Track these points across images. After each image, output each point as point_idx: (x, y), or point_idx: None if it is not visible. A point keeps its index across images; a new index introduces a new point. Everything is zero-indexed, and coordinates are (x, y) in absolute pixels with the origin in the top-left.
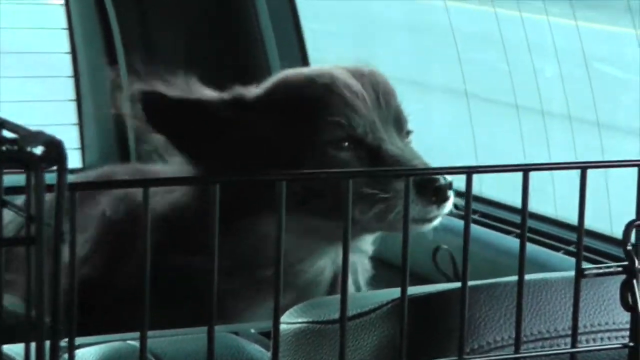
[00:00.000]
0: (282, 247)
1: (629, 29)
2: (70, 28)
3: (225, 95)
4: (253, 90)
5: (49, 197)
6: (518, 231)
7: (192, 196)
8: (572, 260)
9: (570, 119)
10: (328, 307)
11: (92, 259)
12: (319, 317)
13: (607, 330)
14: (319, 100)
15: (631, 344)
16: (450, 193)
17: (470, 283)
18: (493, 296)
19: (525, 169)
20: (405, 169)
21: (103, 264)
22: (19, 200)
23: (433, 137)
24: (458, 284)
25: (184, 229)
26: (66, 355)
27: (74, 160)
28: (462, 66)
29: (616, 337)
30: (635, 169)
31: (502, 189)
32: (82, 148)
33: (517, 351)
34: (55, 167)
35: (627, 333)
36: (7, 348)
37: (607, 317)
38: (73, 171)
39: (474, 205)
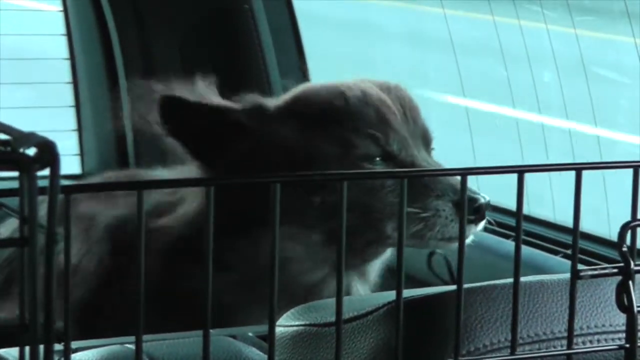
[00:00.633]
0: (276, 245)
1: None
2: (69, 34)
3: (245, 103)
4: (271, 101)
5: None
6: (526, 238)
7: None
8: (570, 264)
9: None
10: (325, 310)
11: (104, 264)
12: (316, 319)
13: (604, 332)
14: (352, 114)
15: (627, 345)
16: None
17: (466, 285)
18: (489, 298)
19: (520, 171)
20: (401, 171)
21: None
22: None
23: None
24: (454, 287)
25: (197, 242)
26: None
27: (73, 166)
28: (461, 74)
29: (612, 339)
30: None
31: (501, 193)
32: (81, 154)
33: (512, 353)
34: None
35: (624, 335)
36: (5, 352)
37: (603, 319)
38: (73, 177)
39: None
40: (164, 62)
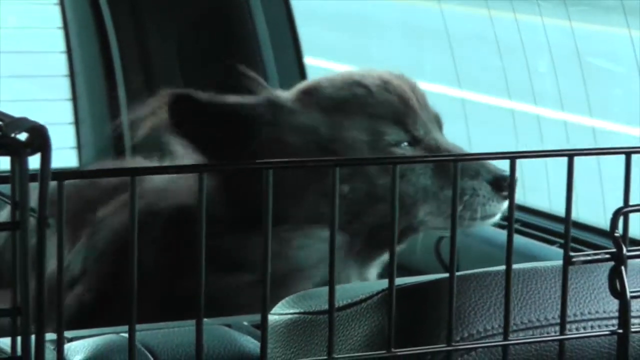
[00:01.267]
0: (269, 236)
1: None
2: (66, 27)
3: (257, 97)
4: (283, 93)
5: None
6: (522, 229)
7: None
8: None
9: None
10: (319, 297)
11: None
12: (310, 307)
13: (597, 319)
14: (377, 101)
15: (620, 330)
16: None
17: (459, 272)
18: (483, 285)
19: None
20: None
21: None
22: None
23: None
24: (448, 274)
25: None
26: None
27: (70, 159)
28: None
29: (606, 325)
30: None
31: None
32: (79, 147)
33: (505, 339)
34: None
35: (617, 321)
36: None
37: (596, 306)
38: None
39: None
40: (160, 55)
